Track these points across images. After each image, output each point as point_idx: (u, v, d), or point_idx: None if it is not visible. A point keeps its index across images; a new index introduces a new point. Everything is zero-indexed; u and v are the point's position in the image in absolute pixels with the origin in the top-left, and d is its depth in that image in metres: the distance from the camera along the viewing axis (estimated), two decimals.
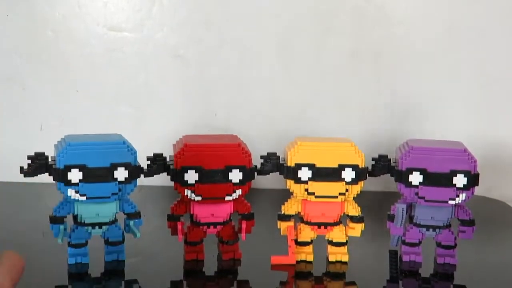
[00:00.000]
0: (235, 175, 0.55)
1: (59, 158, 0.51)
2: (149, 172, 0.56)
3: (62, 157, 0.51)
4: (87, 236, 0.56)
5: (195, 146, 0.55)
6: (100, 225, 0.55)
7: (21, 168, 0.52)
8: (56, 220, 0.54)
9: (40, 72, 0.85)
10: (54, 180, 0.52)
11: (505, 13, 0.84)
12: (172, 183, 0.56)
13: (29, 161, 0.52)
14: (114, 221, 0.56)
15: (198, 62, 0.85)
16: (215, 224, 0.58)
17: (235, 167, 0.55)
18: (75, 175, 0.51)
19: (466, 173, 0.55)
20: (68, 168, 0.51)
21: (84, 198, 0.52)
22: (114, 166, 0.52)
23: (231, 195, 0.55)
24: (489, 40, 0.84)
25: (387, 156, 0.58)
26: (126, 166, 0.53)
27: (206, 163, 0.54)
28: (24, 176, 0.53)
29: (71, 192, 0.52)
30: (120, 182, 0.53)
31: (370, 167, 0.58)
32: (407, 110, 0.86)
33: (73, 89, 0.85)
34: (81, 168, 0.51)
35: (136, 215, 0.56)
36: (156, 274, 0.56)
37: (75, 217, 0.55)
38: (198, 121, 0.86)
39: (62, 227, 0.54)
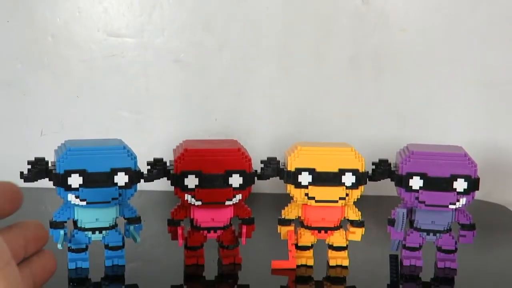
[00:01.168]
0: (235, 180, 0.55)
1: (59, 163, 0.51)
2: (149, 177, 0.56)
3: (62, 162, 0.51)
4: (87, 241, 0.55)
5: (195, 151, 0.55)
6: (100, 230, 0.55)
7: (21, 173, 0.52)
8: (56, 225, 0.54)
9: (41, 78, 0.85)
10: (54, 185, 0.52)
11: (505, 18, 0.84)
12: (172, 188, 0.56)
13: (29, 166, 0.52)
14: (114, 226, 0.56)
15: (198, 66, 0.85)
16: (215, 229, 0.58)
17: (235, 172, 0.55)
18: (75, 180, 0.51)
19: (467, 178, 0.55)
20: (68, 173, 0.51)
21: (84, 203, 0.52)
22: (114, 171, 0.52)
23: (231, 200, 0.55)
24: (490, 45, 0.84)
25: (387, 160, 0.58)
26: (126, 171, 0.53)
27: (206, 168, 0.54)
28: (24, 181, 0.52)
29: (71, 197, 0.52)
30: (120, 187, 0.53)
31: (370, 172, 0.58)
32: (407, 115, 0.86)
33: (73, 94, 0.85)
34: (81, 173, 0.51)
35: (136, 220, 0.56)
36: (157, 279, 0.56)
37: (75, 222, 0.55)
38: (198, 126, 0.86)
39: (62, 232, 0.54)
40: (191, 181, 0.55)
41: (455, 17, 0.84)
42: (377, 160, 0.58)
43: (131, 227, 0.56)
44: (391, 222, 0.58)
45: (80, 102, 0.85)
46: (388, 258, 0.61)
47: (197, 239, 0.58)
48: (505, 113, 0.87)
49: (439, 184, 0.55)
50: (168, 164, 0.57)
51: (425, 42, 0.84)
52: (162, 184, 0.58)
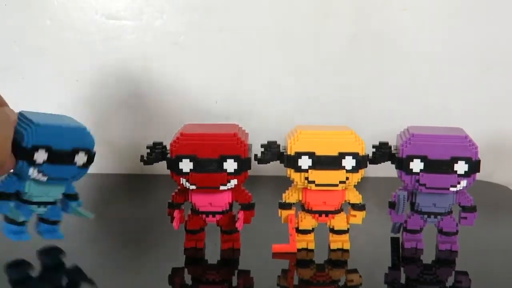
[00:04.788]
0: (230, 165, 0.55)
1: (27, 138, 0.51)
2: (148, 161, 0.56)
3: (31, 136, 0.51)
4: (28, 214, 0.56)
5: (190, 135, 0.55)
6: (45, 204, 0.56)
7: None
8: (3, 196, 0.54)
9: (39, 61, 0.84)
10: (17, 158, 0.51)
11: None
12: None
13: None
14: (56, 201, 0.57)
15: (198, 49, 0.84)
16: (213, 213, 0.58)
17: (230, 157, 0.55)
18: (41, 156, 0.52)
19: (467, 160, 0.55)
20: (36, 148, 0.51)
21: (45, 178, 0.53)
22: (76, 151, 0.54)
23: (225, 185, 0.55)
24: (492, 24, 0.84)
25: (387, 143, 0.58)
26: (86, 151, 0.55)
27: (201, 152, 0.54)
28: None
29: (32, 172, 0.52)
30: (79, 167, 0.55)
31: (370, 155, 0.57)
32: (407, 96, 0.86)
33: (72, 78, 0.85)
34: (47, 148, 0.52)
35: (76, 196, 0.58)
36: (157, 262, 0.56)
37: (17, 195, 0.55)
38: (198, 108, 0.85)
39: (12, 203, 0.54)
40: (186, 165, 0.54)
41: None
42: (377, 143, 0.58)
43: (74, 204, 0.58)
44: (392, 205, 0.58)
45: (79, 86, 0.85)
46: (389, 241, 0.61)
47: (197, 223, 0.58)
48: (507, 94, 0.86)
49: (439, 166, 0.55)
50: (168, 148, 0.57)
51: (426, 22, 0.84)
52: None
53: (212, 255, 0.58)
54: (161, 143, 0.56)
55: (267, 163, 0.57)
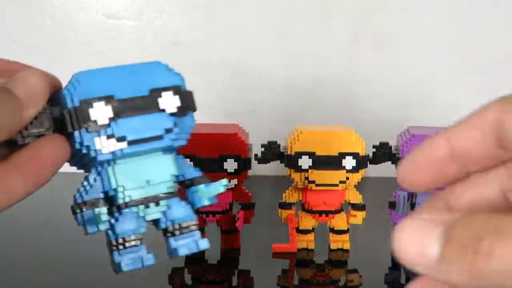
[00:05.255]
0: (230, 165, 0.55)
1: (70, 94, 0.35)
2: None
3: (74, 90, 0.35)
4: (141, 226, 0.36)
5: (190, 135, 0.55)
6: (156, 200, 0.36)
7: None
8: (83, 206, 0.35)
9: (39, 61, 0.84)
10: (70, 129, 0.34)
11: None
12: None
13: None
14: (173, 191, 0.37)
15: (198, 48, 0.84)
16: (213, 213, 0.58)
17: (230, 157, 0.55)
18: (101, 111, 0.34)
19: None
20: (88, 103, 0.34)
21: (124, 144, 0.34)
22: (157, 92, 0.36)
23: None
24: (492, 24, 0.83)
25: (388, 143, 0.58)
26: (175, 90, 0.37)
27: (201, 152, 0.54)
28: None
29: (100, 142, 0.34)
30: (172, 114, 0.36)
31: (371, 155, 0.57)
32: (408, 97, 0.86)
33: None
34: (108, 99, 0.35)
35: (199, 179, 0.38)
36: (157, 262, 0.56)
37: (110, 200, 0.36)
38: (198, 108, 0.85)
39: (98, 209, 0.35)
40: None
41: None
42: (377, 143, 0.58)
43: (202, 188, 0.38)
44: (392, 205, 0.58)
45: None
46: (389, 241, 0.61)
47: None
48: (508, 92, 0.86)
49: None
50: None
51: (425, 22, 0.84)
52: None
53: (212, 255, 0.58)
54: None
55: (267, 163, 0.57)
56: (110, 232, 0.35)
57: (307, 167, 0.55)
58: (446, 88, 0.85)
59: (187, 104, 0.37)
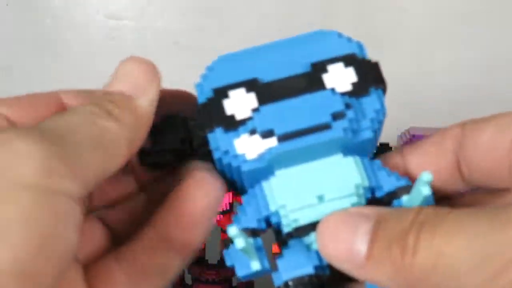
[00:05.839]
0: None
1: (200, 86, 0.29)
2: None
3: (205, 81, 0.29)
4: (312, 260, 0.25)
5: None
6: None
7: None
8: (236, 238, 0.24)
9: (40, 60, 0.84)
10: (201, 132, 0.26)
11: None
12: None
13: None
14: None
15: (199, 50, 0.84)
16: None
17: None
18: (240, 101, 0.26)
19: None
20: (222, 93, 0.27)
21: (273, 140, 0.24)
22: (321, 65, 0.26)
23: None
24: (494, 26, 0.83)
25: (388, 144, 0.58)
26: (348, 60, 0.27)
27: None
28: None
29: (242, 144, 0.25)
30: (345, 94, 0.26)
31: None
32: (408, 98, 0.86)
33: (73, 77, 0.85)
34: (251, 84, 0.26)
35: (407, 189, 0.26)
36: None
37: (273, 228, 0.27)
38: None
39: (250, 239, 0.26)
40: None
41: None
42: (378, 144, 0.58)
43: (404, 200, 0.26)
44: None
45: (80, 86, 0.85)
46: None
47: None
48: (508, 94, 0.86)
49: None
50: None
51: (426, 23, 0.84)
52: None
53: (212, 255, 0.58)
54: None
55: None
56: (273, 276, 0.26)
57: None
58: (447, 89, 0.85)
59: (368, 78, 0.26)
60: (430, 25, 0.84)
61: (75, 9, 0.83)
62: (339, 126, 0.24)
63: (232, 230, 0.22)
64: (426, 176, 0.23)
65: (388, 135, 0.63)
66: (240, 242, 0.23)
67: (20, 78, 0.84)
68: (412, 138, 0.56)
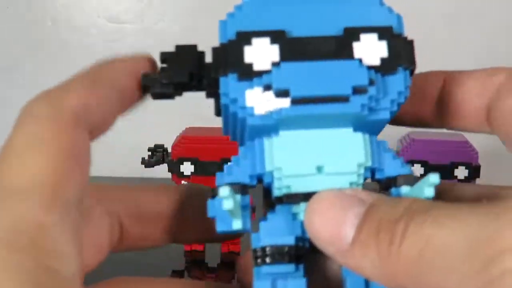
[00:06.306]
0: None
1: (224, 24, 0.28)
2: (149, 163, 0.56)
3: (230, 20, 0.28)
4: (295, 231, 0.24)
5: (192, 138, 0.55)
6: None
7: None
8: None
9: (40, 62, 0.84)
10: (213, 74, 0.25)
11: (506, 2, 0.83)
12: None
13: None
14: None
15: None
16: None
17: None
18: (262, 51, 0.24)
19: (467, 165, 0.55)
20: (245, 38, 0.25)
21: (285, 102, 0.23)
22: (352, 32, 0.24)
23: None
24: (490, 30, 0.84)
25: None
26: (382, 32, 0.24)
27: (202, 155, 0.55)
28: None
29: (253, 97, 0.23)
30: (371, 68, 0.24)
31: None
32: None
33: None
34: (277, 35, 0.24)
35: (409, 178, 0.25)
36: (157, 265, 0.56)
37: (267, 191, 0.25)
38: (199, 112, 0.85)
39: (238, 196, 0.24)
40: (187, 168, 0.55)
41: (454, 2, 0.83)
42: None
43: (405, 190, 0.24)
44: None
45: None
46: None
47: None
48: None
49: (440, 171, 0.55)
50: (169, 150, 0.57)
51: (425, 28, 0.84)
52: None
53: (212, 258, 0.58)
54: (162, 146, 0.57)
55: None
56: (253, 237, 0.24)
57: None
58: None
59: (400, 56, 0.25)
60: (429, 30, 0.84)
61: (76, 12, 0.83)
62: (357, 101, 0.23)
63: (224, 191, 0.21)
64: (433, 178, 0.22)
65: (388, 139, 0.63)
66: (228, 203, 0.21)
67: (20, 80, 0.84)
68: (412, 142, 0.56)
